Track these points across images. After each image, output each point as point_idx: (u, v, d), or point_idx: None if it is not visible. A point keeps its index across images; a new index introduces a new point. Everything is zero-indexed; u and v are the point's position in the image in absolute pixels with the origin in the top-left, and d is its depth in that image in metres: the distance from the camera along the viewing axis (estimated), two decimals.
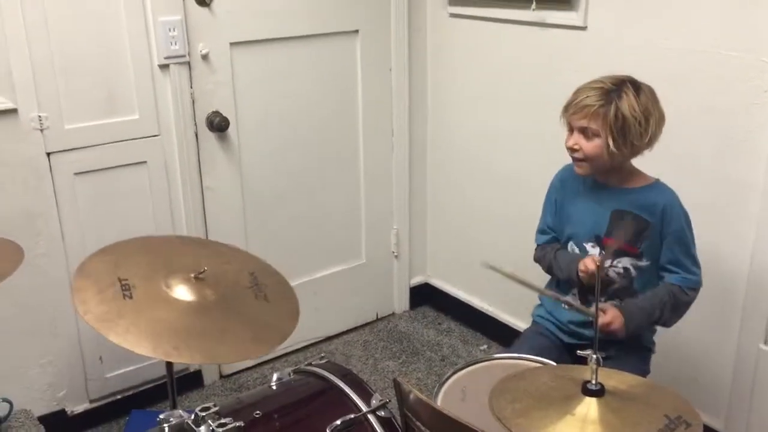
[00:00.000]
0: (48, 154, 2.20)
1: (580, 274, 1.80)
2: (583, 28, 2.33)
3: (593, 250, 1.85)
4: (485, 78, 2.73)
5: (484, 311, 2.97)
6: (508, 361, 1.79)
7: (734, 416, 2.19)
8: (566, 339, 1.93)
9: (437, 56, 2.90)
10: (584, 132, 1.75)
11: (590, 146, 1.75)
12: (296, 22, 2.59)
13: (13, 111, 2.11)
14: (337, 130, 2.82)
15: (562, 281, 1.93)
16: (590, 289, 1.82)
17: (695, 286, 1.83)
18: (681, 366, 2.22)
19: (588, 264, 1.77)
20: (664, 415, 1.24)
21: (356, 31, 2.74)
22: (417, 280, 3.22)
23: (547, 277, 2.00)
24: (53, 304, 2.30)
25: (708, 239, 1.90)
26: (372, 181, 2.95)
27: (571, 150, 1.79)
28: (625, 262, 1.83)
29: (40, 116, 2.15)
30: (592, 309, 1.75)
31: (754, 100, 1.97)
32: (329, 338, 2.98)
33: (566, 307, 1.89)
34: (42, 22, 2.10)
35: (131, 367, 2.49)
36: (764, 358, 2.08)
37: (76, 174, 2.27)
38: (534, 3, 2.44)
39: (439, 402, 1.61)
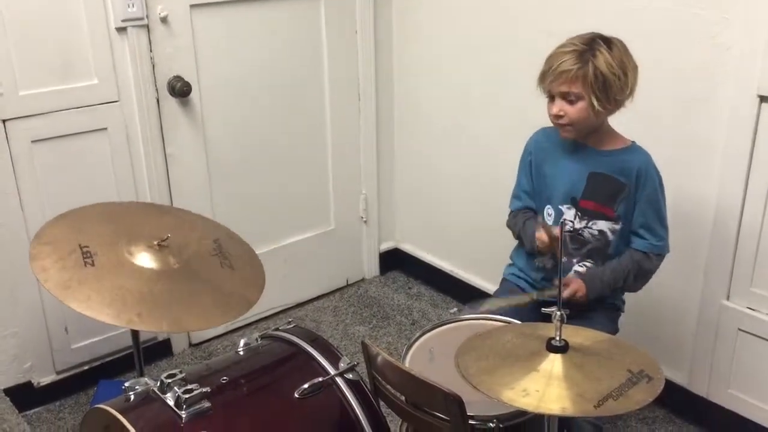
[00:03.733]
0: (2, 121, 2.14)
1: (537, 244, 1.82)
2: None
3: (569, 212, 1.86)
4: (451, 41, 2.71)
5: (453, 275, 2.98)
6: (475, 321, 1.79)
7: (697, 371, 2.24)
8: (536, 296, 1.94)
9: (402, 19, 2.86)
10: (566, 97, 1.74)
11: (575, 110, 1.74)
12: None
13: None
14: (302, 95, 2.78)
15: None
16: (552, 256, 1.83)
17: (661, 252, 1.85)
18: (645, 323, 2.26)
19: (541, 236, 1.78)
20: (627, 370, 1.26)
21: None
22: (386, 245, 3.22)
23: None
24: (14, 275, 2.25)
25: (671, 198, 1.91)
26: (339, 146, 2.92)
27: (556, 117, 1.78)
28: (601, 224, 1.84)
29: None
30: (554, 287, 1.77)
31: (718, 57, 1.97)
32: (299, 305, 2.98)
33: (535, 297, 1.88)
34: None
35: (98, 338, 2.46)
36: (726, 314, 2.12)
37: (33, 141, 2.21)
38: None
39: (407, 363, 1.62)
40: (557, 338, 1.27)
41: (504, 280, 2.05)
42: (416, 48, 2.85)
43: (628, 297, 1.97)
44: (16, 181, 2.21)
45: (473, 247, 2.88)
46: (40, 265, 1.65)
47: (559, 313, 1.29)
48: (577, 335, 1.35)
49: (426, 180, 3.01)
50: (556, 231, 1.74)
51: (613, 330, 1.91)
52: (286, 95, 2.73)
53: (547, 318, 1.35)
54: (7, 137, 2.16)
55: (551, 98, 1.79)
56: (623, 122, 1.84)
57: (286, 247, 2.89)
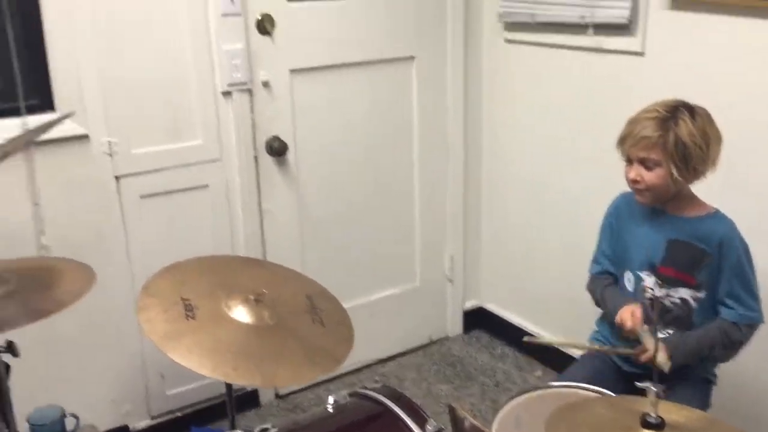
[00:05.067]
0: (116, 178, 2.30)
1: (616, 323, 1.79)
2: (641, 54, 2.32)
3: (649, 279, 1.83)
4: (542, 103, 2.73)
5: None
6: (565, 390, 1.77)
7: None
8: (625, 367, 1.90)
9: (493, 82, 2.91)
10: (644, 163, 1.74)
11: (652, 176, 1.73)
12: (354, 49, 2.64)
13: (85, 137, 2.21)
14: (392, 154, 2.86)
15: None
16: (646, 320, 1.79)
17: (752, 323, 1.79)
18: (743, 400, 2.16)
19: (624, 319, 1.76)
20: None
21: (412, 58, 2.78)
22: (471, 303, 3.22)
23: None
24: (118, 322, 2.38)
25: (766, 266, 1.85)
26: (426, 204, 2.98)
27: (633, 182, 1.77)
28: (682, 292, 1.80)
29: (109, 141, 2.25)
30: (636, 349, 1.74)
31: None
32: (383, 360, 3.00)
33: (599, 346, 1.84)
34: (113, 51, 2.20)
35: (191, 385, 2.55)
36: None
37: (142, 197, 2.36)
38: (591, 29, 2.43)
39: (494, 430, 1.61)
40: (653, 415, 1.25)
41: None
42: (505, 106, 2.89)
43: (726, 371, 1.90)
44: (126, 233, 2.35)
45: (559, 310, 2.84)
46: (146, 316, 1.74)
47: (654, 389, 1.26)
48: (671, 412, 1.31)
49: (513, 238, 3.01)
50: (636, 321, 1.72)
51: (704, 404, 1.84)
52: (376, 153, 2.81)
53: (639, 390, 1.33)
54: (119, 192, 2.31)
55: (629, 162, 1.78)
56: (715, 188, 1.81)
57: (372, 302, 2.93)
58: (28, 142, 1.48)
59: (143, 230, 2.38)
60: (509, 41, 2.79)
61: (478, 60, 2.91)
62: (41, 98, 2.14)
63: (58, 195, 2.21)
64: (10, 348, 1.31)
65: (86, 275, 1.54)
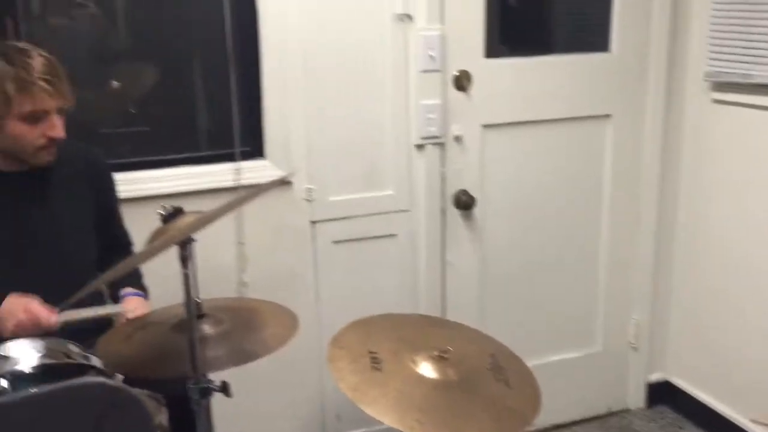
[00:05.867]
0: (312, 223, 2.42)
1: None
2: None
3: None
4: (750, 169, 2.54)
5: (735, 422, 2.68)
6: None
7: None
8: None
9: (695, 144, 2.75)
10: None
11: None
12: (548, 106, 2.62)
13: (289, 183, 2.35)
14: (579, 212, 2.77)
15: None
16: None
17: None
18: None
19: None
20: None
21: (608, 116, 2.70)
22: (656, 376, 3.01)
23: None
24: (302, 361, 2.47)
25: None
26: (612, 266, 2.85)
27: None
28: None
29: (309, 188, 2.38)
30: None
31: None
32: (557, 426, 2.88)
33: None
34: (318, 106, 2.34)
35: (364, 429, 2.59)
36: None
37: (334, 242, 2.46)
38: None
39: None
40: None
41: None
42: (707, 170, 2.71)
43: None
44: (316, 275, 2.46)
45: (762, 394, 2.58)
46: (336, 366, 1.80)
47: None
48: None
49: (707, 310, 2.79)
50: None
51: None
52: (564, 212, 2.74)
53: None
54: (313, 237, 2.43)
55: None
56: None
57: (549, 364, 2.84)
58: (250, 197, 1.59)
59: (333, 274, 2.48)
60: (717, 101, 2.62)
61: (680, 121, 2.76)
62: (253, 146, 2.32)
63: (259, 235, 2.37)
64: (224, 388, 1.40)
65: (290, 321, 1.61)
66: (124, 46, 2.41)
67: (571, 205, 2.75)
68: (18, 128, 1.66)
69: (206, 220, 1.39)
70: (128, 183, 2.11)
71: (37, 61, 1.65)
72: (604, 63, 2.65)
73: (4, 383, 1.17)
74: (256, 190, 1.56)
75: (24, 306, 1.61)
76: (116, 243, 2.03)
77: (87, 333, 1.63)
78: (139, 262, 1.32)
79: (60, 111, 1.71)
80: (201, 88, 2.41)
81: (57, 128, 1.69)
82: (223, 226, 2.31)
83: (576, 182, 2.74)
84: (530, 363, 2.68)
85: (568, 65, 2.61)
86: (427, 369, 1.84)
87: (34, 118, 1.66)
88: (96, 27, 2.38)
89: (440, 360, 1.86)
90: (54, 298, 1.67)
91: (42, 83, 1.63)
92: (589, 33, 2.75)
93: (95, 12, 2.35)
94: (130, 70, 2.57)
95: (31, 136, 1.68)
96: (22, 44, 1.73)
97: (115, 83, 2.55)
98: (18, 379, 1.20)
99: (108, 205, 1.98)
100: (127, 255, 2.05)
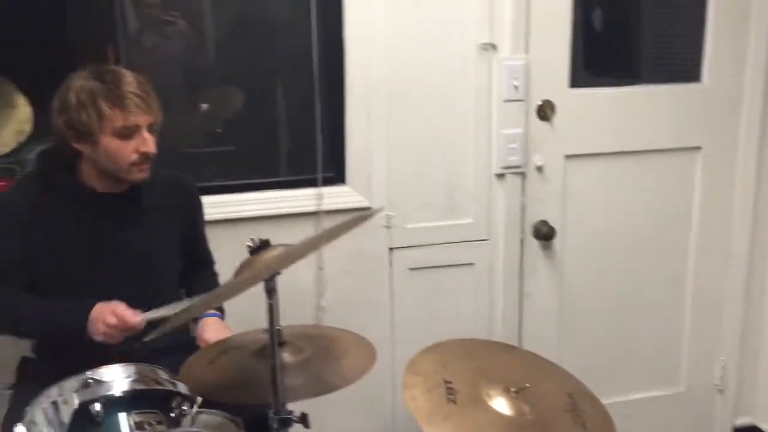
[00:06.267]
0: (390, 249, 2.43)
1: None
2: None
3: None
4: None
5: None
6: None
7: None
8: None
9: None
10: None
11: None
12: (635, 137, 2.55)
13: (368, 209, 2.37)
14: (664, 247, 2.68)
15: None
16: None
17: None
18: None
19: None
20: None
21: (698, 148, 2.61)
22: (743, 420, 2.87)
23: None
24: (375, 384, 2.46)
25: None
26: (699, 304, 2.74)
27: None
28: None
29: (388, 215, 2.39)
30: None
31: None
32: None
33: None
34: (399, 134, 2.35)
35: None
36: None
37: (410, 269, 2.46)
38: None
39: None
40: None
41: None
42: None
43: None
44: (392, 301, 2.46)
45: None
46: (410, 393, 1.79)
47: None
48: None
49: None
50: None
51: None
52: (649, 246, 2.66)
53: None
54: (390, 263, 2.44)
55: None
56: None
57: (629, 402, 2.74)
58: (338, 233, 1.61)
59: (408, 301, 2.48)
60: None
61: None
62: (336, 172, 2.35)
63: (338, 260, 2.39)
64: (303, 419, 1.42)
65: (368, 351, 1.62)
66: (212, 66, 2.48)
67: (656, 238, 2.66)
68: (112, 144, 1.73)
69: (294, 256, 1.41)
70: (212, 206, 2.17)
71: (128, 78, 1.73)
72: (695, 94, 2.57)
73: (98, 407, 1.22)
74: (343, 225, 1.56)
75: (111, 309, 1.69)
76: (200, 263, 2.09)
77: (170, 355, 1.70)
78: (228, 296, 1.35)
79: (151, 127, 1.77)
80: (286, 114, 2.47)
81: (149, 143, 1.75)
82: None
83: (662, 216, 2.65)
84: (608, 400, 2.59)
85: (656, 96, 2.54)
86: (502, 405, 1.80)
87: (127, 133, 1.72)
88: (185, 43, 2.46)
89: (516, 395, 1.82)
90: (141, 310, 1.74)
91: (133, 98, 1.70)
92: (679, 61, 2.67)
93: (184, 28, 2.44)
94: (219, 92, 2.66)
95: (125, 151, 1.74)
96: (112, 66, 1.84)
97: (204, 105, 2.64)
98: (110, 403, 1.25)
99: (195, 228, 2.05)
100: (209, 274, 2.12)
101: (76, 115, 1.70)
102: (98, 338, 1.69)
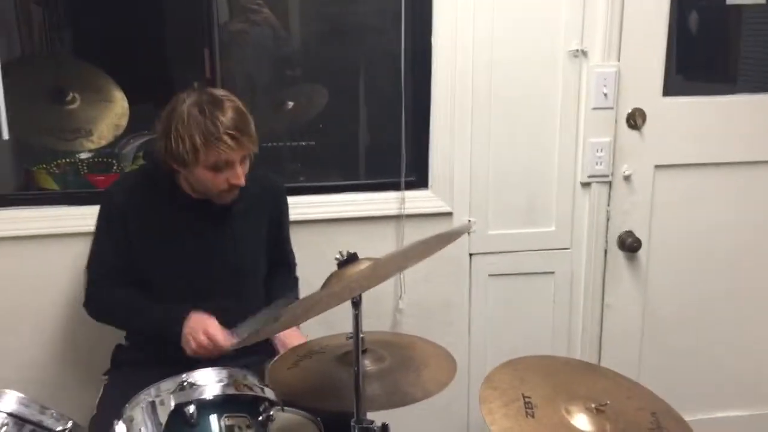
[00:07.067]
0: (470, 255, 2.42)
1: None
2: None
3: None
4: None
5: None
6: None
7: None
8: None
9: None
10: None
11: None
12: (728, 148, 2.46)
13: (449, 214, 2.37)
14: (755, 262, 2.58)
15: None
16: None
17: None
18: None
19: None
20: None
21: None
22: None
23: None
24: (450, 389, 2.46)
25: None
26: None
27: None
28: None
29: (469, 221, 2.38)
30: None
31: None
32: None
33: None
34: (483, 142, 2.34)
35: None
36: None
37: (490, 275, 2.45)
38: None
39: None
40: None
41: None
42: None
43: None
44: (470, 307, 2.46)
45: None
46: (488, 407, 1.78)
47: None
48: None
49: None
50: None
51: None
52: (738, 261, 2.56)
53: None
54: (470, 269, 2.43)
55: None
56: None
57: (713, 420, 2.65)
58: (428, 252, 1.61)
59: (486, 307, 2.47)
60: None
61: None
62: (419, 176, 2.36)
63: (418, 264, 2.38)
64: (385, 430, 1.43)
65: (449, 364, 1.62)
66: (298, 63, 2.51)
67: (746, 253, 2.56)
68: (204, 175, 1.79)
69: (381, 276, 1.41)
70: (295, 207, 2.20)
71: (228, 115, 1.74)
72: None
73: (192, 409, 1.28)
74: (435, 242, 1.56)
75: (204, 328, 1.74)
76: (283, 262, 2.14)
77: (246, 356, 1.75)
78: (314, 313, 1.37)
79: (243, 159, 1.81)
80: (371, 118, 2.49)
81: (239, 177, 1.80)
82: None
83: (754, 230, 2.54)
84: (691, 417, 2.54)
85: (751, 105, 2.44)
86: (582, 421, 1.77)
87: (219, 167, 1.78)
88: (272, 34, 2.51)
89: (597, 413, 1.79)
90: (227, 309, 1.81)
91: (227, 138, 1.72)
92: None
93: (269, 16, 2.49)
94: (304, 90, 2.71)
95: (215, 181, 1.80)
96: (218, 92, 1.82)
97: (290, 103, 2.69)
98: (203, 406, 1.30)
99: (280, 228, 2.10)
100: (290, 275, 2.16)
101: (173, 144, 1.75)
102: (188, 351, 1.74)
